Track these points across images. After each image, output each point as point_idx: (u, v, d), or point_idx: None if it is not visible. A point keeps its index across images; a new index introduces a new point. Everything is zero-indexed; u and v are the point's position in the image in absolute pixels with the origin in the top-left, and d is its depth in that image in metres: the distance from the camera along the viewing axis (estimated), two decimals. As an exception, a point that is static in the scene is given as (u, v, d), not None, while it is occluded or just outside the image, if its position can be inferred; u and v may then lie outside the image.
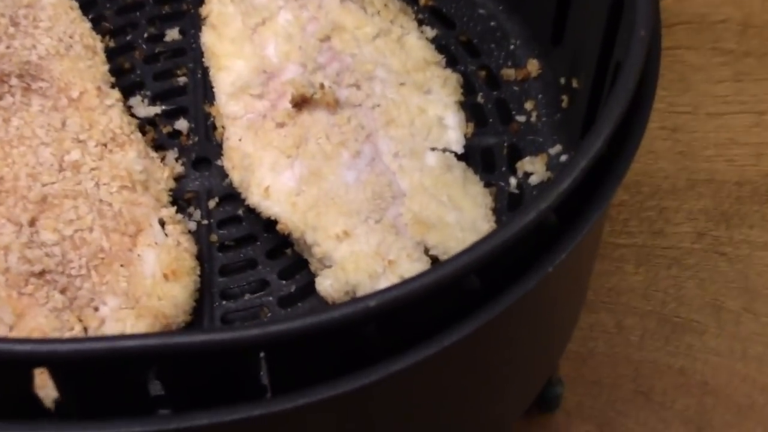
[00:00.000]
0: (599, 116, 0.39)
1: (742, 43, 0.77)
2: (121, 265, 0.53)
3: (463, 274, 0.37)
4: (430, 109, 0.58)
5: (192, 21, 0.66)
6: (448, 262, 0.37)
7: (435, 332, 0.38)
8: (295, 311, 0.55)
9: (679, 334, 0.64)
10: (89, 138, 0.56)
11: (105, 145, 0.56)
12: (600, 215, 0.41)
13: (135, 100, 0.62)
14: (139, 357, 0.35)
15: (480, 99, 0.62)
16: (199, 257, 0.55)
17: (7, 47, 0.60)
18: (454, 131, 0.57)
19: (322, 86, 0.57)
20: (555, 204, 0.39)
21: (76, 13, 0.63)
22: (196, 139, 0.61)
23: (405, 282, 0.37)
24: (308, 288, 0.54)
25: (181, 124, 0.61)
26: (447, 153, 0.56)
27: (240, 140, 0.57)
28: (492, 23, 0.65)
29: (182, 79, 0.63)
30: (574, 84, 0.57)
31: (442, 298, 0.38)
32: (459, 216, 0.54)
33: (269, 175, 0.55)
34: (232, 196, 0.58)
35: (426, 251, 0.53)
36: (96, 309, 0.51)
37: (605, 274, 0.66)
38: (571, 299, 0.51)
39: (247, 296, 0.55)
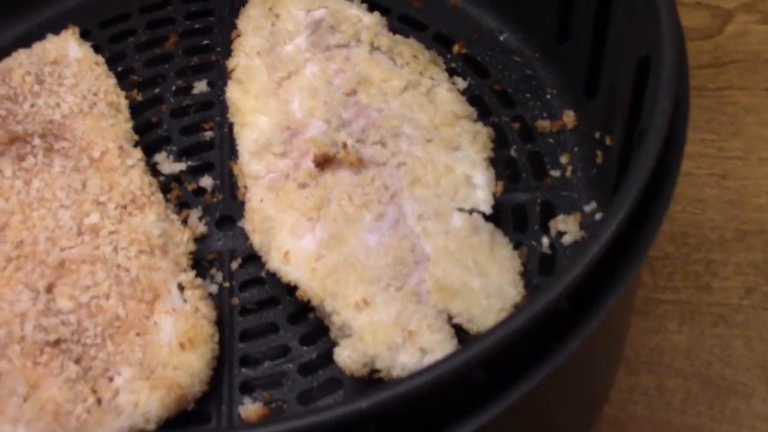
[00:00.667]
0: (616, 197, 0.37)
1: None
2: (137, 334, 0.52)
3: (465, 371, 0.35)
4: (457, 167, 0.55)
5: (220, 72, 0.65)
6: (450, 359, 0.35)
7: (438, 427, 0.36)
8: (315, 378, 0.53)
9: (724, 398, 0.61)
10: (109, 200, 0.56)
11: (125, 207, 0.56)
12: (619, 297, 0.38)
13: (160, 157, 0.61)
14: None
15: (513, 152, 0.60)
16: (219, 322, 0.54)
17: (32, 105, 0.59)
18: (482, 191, 0.55)
19: (345, 145, 0.55)
20: (566, 293, 0.36)
21: (102, 69, 0.62)
22: (221, 197, 0.60)
23: (402, 381, 0.35)
24: (329, 354, 0.52)
25: (206, 181, 0.60)
26: (474, 214, 0.54)
27: (261, 201, 0.55)
28: (528, 71, 0.63)
29: (209, 134, 0.62)
30: (607, 141, 0.55)
31: (443, 394, 0.36)
32: (485, 282, 0.52)
33: (289, 239, 0.53)
34: (256, 257, 0.56)
35: (449, 319, 0.51)
36: (110, 379, 0.50)
37: (647, 332, 0.63)
38: (594, 379, 0.49)
39: (267, 363, 0.54)
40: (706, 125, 0.72)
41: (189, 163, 0.61)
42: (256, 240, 0.55)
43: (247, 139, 0.58)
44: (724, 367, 0.62)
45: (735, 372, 0.62)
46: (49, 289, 0.53)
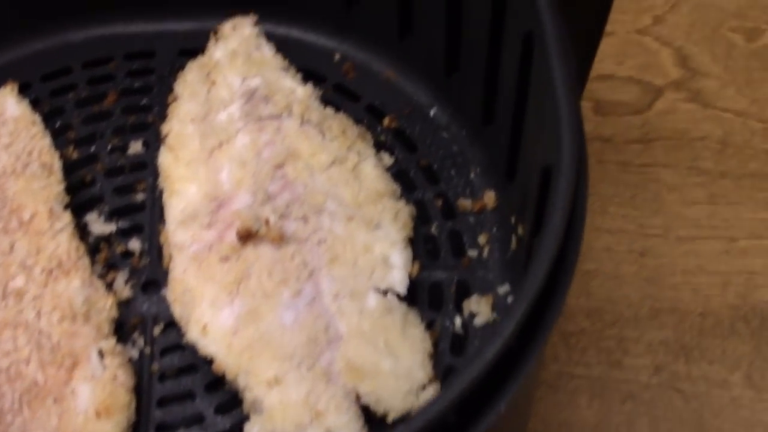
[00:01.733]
0: (503, 319, 0.39)
1: (719, 162, 0.76)
2: (54, 401, 0.53)
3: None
4: (376, 246, 0.57)
5: (156, 133, 0.66)
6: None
7: None
8: (227, 451, 0.54)
9: None
10: (35, 264, 0.57)
11: (50, 271, 0.57)
12: (500, 413, 0.40)
13: (91, 217, 0.62)
14: None
15: (434, 229, 0.62)
16: (138, 388, 0.55)
17: (-34, 164, 0.61)
18: (398, 271, 0.57)
19: (268, 221, 0.57)
20: (448, 410, 0.38)
21: (38, 128, 0.63)
22: (148, 260, 0.61)
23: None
24: (242, 424, 0.54)
25: (135, 244, 0.61)
26: (389, 294, 0.56)
27: (184, 271, 0.57)
28: (455, 148, 0.65)
29: (140, 196, 0.64)
30: (519, 230, 0.57)
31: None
32: (395, 363, 0.53)
33: (208, 311, 0.55)
34: (178, 324, 0.57)
35: (358, 399, 0.52)
36: (24, 446, 0.52)
37: (558, 406, 0.65)
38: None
39: (181, 430, 0.55)
40: (630, 201, 0.74)
41: (119, 224, 0.62)
42: (177, 310, 0.56)
43: (174, 208, 0.60)
44: None
45: None
46: (-29, 352, 0.54)
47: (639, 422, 0.65)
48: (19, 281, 0.56)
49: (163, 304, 0.59)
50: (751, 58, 0.84)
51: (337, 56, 0.70)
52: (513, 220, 0.59)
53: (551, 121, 0.46)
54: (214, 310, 0.55)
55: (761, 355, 0.68)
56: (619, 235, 0.73)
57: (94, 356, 0.55)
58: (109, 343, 0.56)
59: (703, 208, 0.74)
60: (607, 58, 0.82)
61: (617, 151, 0.76)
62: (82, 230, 0.61)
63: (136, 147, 0.66)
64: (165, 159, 0.62)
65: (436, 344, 0.56)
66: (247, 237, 0.57)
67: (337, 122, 0.63)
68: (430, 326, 0.57)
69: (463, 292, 0.59)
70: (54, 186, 0.61)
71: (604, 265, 0.71)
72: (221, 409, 0.56)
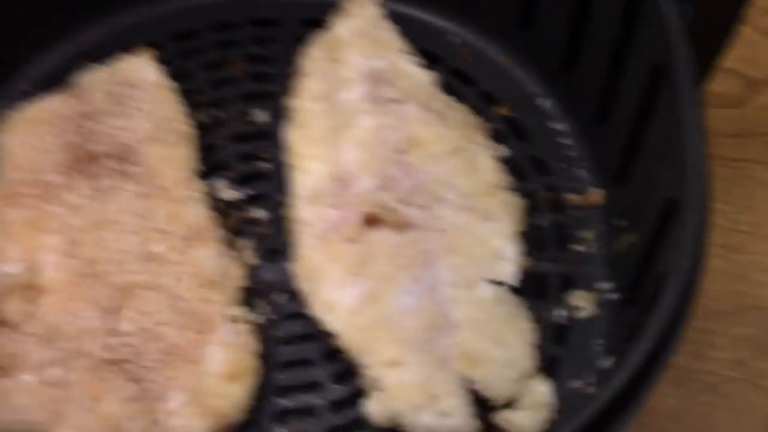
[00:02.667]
0: (628, 354, 0.43)
1: None
2: (191, 362, 0.57)
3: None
4: (491, 239, 0.61)
5: (280, 103, 0.69)
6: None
7: None
8: (343, 416, 0.59)
9: None
10: (174, 231, 0.61)
11: (188, 239, 0.61)
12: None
13: (219, 183, 0.66)
14: None
15: (542, 221, 0.65)
16: (262, 352, 0.60)
17: (110, 126, 0.64)
18: (510, 264, 0.61)
19: (392, 208, 0.60)
20: None
21: (174, 95, 0.67)
22: (273, 230, 0.65)
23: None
24: (359, 396, 0.58)
25: (260, 213, 0.65)
26: (501, 286, 0.60)
27: (310, 249, 0.61)
28: (566, 141, 0.68)
29: (265, 165, 0.67)
30: (631, 237, 0.60)
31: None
32: (504, 353, 0.58)
33: (333, 290, 0.59)
34: (300, 293, 0.62)
35: (469, 385, 0.57)
36: (164, 402, 0.56)
37: None
38: None
39: (301, 396, 0.60)
40: (722, 196, 0.76)
41: (245, 192, 0.66)
42: (303, 286, 0.60)
43: (301, 185, 0.63)
44: None
45: None
46: (116, 310, 0.58)
47: (717, 414, 0.68)
48: (159, 246, 0.60)
49: (286, 273, 0.63)
50: None
51: (455, 39, 0.73)
52: (621, 223, 0.62)
53: (677, 158, 0.49)
54: (338, 289, 0.59)
55: None
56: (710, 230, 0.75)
57: (225, 323, 0.59)
58: (240, 310, 0.60)
59: None
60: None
61: (713, 144, 0.77)
62: (209, 195, 0.65)
63: (261, 116, 0.69)
64: (292, 136, 0.65)
65: (540, 334, 0.60)
66: (372, 222, 0.60)
67: (458, 112, 0.66)
68: (533, 317, 0.61)
69: (568, 284, 0.63)
70: (189, 154, 0.65)
71: (695, 258, 0.74)
72: (338, 379, 0.60)
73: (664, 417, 0.68)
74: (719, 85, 0.82)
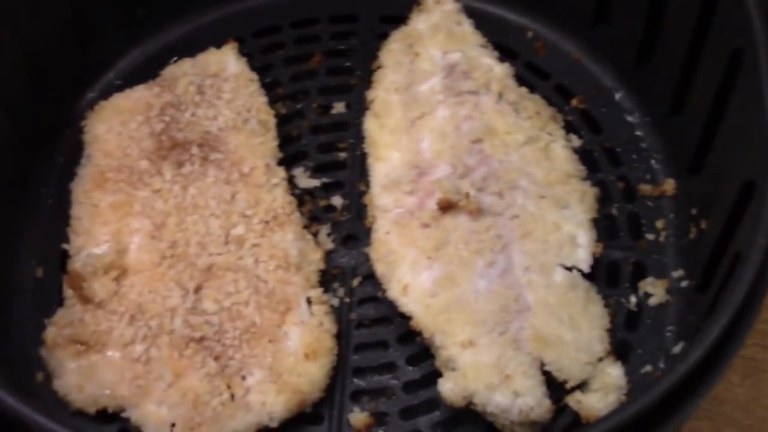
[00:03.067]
0: (700, 333, 0.43)
1: None
2: (269, 341, 0.59)
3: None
4: (565, 225, 0.62)
5: (358, 96, 0.71)
6: None
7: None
8: (417, 397, 0.60)
9: None
10: (254, 215, 0.63)
11: (267, 222, 0.63)
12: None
13: (298, 171, 0.68)
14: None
15: (614, 210, 0.66)
16: (338, 334, 0.61)
17: (192, 115, 0.67)
18: (584, 250, 0.62)
19: (467, 194, 0.62)
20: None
21: (255, 86, 0.69)
22: (349, 216, 0.67)
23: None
24: (432, 377, 0.60)
25: (337, 200, 0.67)
26: (574, 271, 0.61)
27: (387, 233, 0.62)
28: (638, 133, 0.69)
29: (342, 155, 0.69)
30: (703, 224, 0.61)
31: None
32: (576, 336, 0.58)
33: (409, 273, 0.61)
34: (375, 277, 0.63)
35: (541, 366, 0.58)
36: (243, 378, 0.58)
37: None
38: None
39: (376, 376, 0.61)
40: None
41: (323, 179, 0.68)
42: (379, 268, 0.62)
43: (379, 172, 0.65)
44: None
45: None
46: (197, 290, 0.61)
47: None
48: (240, 230, 0.62)
49: (361, 258, 0.65)
50: None
51: (529, 34, 0.74)
52: (694, 211, 0.63)
53: (757, 140, 0.49)
54: (414, 272, 0.61)
55: None
56: None
57: (304, 303, 0.61)
58: (317, 292, 0.62)
59: None
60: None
61: None
62: (288, 183, 0.67)
63: (339, 107, 0.71)
64: (370, 125, 0.67)
65: (611, 319, 0.61)
66: (447, 207, 0.62)
67: (532, 102, 0.67)
68: (606, 302, 0.61)
69: (639, 272, 0.64)
70: (270, 142, 0.67)
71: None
72: (413, 360, 0.62)
73: (735, 407, 0.68)
74: None
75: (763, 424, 0.68)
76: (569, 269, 0.61)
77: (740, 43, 0.54)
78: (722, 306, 0.44)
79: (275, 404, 0.58)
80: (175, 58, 0.71)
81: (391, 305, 0.62)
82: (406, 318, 0.61)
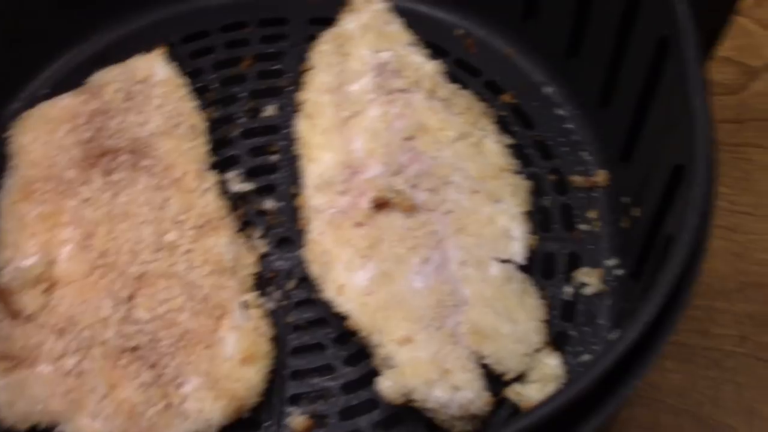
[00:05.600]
0: (635, 315, 0.43)
1: None
2: (205, 347, 0.58)
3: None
4: (499, 219, 0.62)
5: (288, 98, 0.71)
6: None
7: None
8: (356, 397, 0.60)
9: None
10: (186, 220, 0.62)
11: (200, 227, 0.62)
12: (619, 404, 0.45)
13: (231, 175, 0.68)
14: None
15: (548, 203, 0.66)
16: (275, 337, 0.61)
17: (121, 121, 0.66)
18: (518, 243, 0.62)
19: (400, 192, 0.61)
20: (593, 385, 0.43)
21: (185, 90, 0.68)
22: (283, 218, 0.66)
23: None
24: (370, 376, 0.59)
25: (270, 203, 0.67)
26: (509, 264, 0.61)
27: (321, 234, 0.62)
28: (569, 126, 0.69)
29: (275, 157, 0.69)
30: (635, 213, 0.61)
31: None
32: (514, 328, 0.58)
33: (344, 273, 0.60)
34: (310, 279, 0.63)
35: (480, 360, 0.57)
36: (180, 386, 0.57)
37: None
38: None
39: (314, 379, 0.61)
40: (722, 179, 0.77)
41: (255, 184, 0.68)
42: (314, 270, 0.61)
43: (312, 173, 0.65)
44: (713, 408, 0.69)
45: (723, 414, 0.68)
46: (130, 299, 0.60)
47: (723, 388, 0.69)
48: (172, 236, 0.62)
49: (296, 260, 0.64)
50: None
51: (459, 31, 0.74)
52: (626, 200, 0.63)
53: (684, 124, 0.49)
54: (349, 271, 0.60)
55: (842, 330, 0.72)
56: None
57: (240, 307, 0.60)
58: (252, 296, 0.61)
59: None
60: (705, 38, 0.85)
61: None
62: (220, 188, 0.66)
63: (270, 110, 0.71)
64: (302, 126, 0.67)
65: (547, 311, 0.61)
66: (380, 205, 0.62)
67: (463, 98, 0.67)
68: (542, 294, 0.61)
69: (574, 263, 0.64)
70: (201, 147, 0.66)
71: (696, 239, 0.75)
72: (350, 361, 0.61)
73: (671, 393, 0.69)
74: (717, 73, 0.84)
75: (699, 408, 0.69)
76: (504, 262, 0.61)
77: (666, 32, 0.54)
78: (655, 288, 0.44)
79: (213, 411, 0.57)
80: (104, 66, 0.70)
81: (328, 306, 0.61)
82: (342, 318, 0.60)
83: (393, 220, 0.62)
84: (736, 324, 0.72)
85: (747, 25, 0.88)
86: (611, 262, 0.63)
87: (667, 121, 0.54)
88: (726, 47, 0.85)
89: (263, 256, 0.65)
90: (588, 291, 0.63)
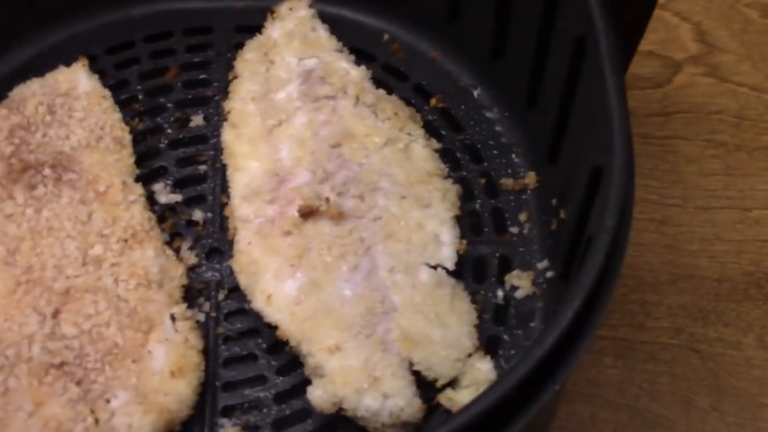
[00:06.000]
0: (556, 314, 0.44)
1: (735, 135, 0.81)
2: (133, 361, 0.58)
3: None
4: (428, 224, 0.62)
5: (216, 107, 0.70)
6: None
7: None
8: (289, 407, 0.59)
9: (649, 429, 0.69)
10: (112, 233, 0.61)
11: (126, 240, 0.61)
12: (551, 395, 0.45)
13: (158, 187, 0.67)
14: None
15: (478, 206, 0.66)
16: (205, 349, 0.60)
17: (43, 135, 0.65)
18: (448, 248, 0.62)
19: (327, 199, 0.61)
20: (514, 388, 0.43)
21: (109, 102, 0.67)
22: (211, 229, 0.66)
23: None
24: (302, 385, 0.59)
25: (198, 215, 0.66)
26: (439, 269, 0.61)
27: (249, 244, 0.61)
28: (497, 128, 0.69)
29: (203, 167, 0.68)
30: (562, 214, 0.61)
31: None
32: (444, 333, 0.58)
33: (272, 283, 0.60)
34: (240, 290, 0.62)
35: (410, 366, 0.57)
36: (108, 402, 0.57)
37: (585, 365, 0.70)
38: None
39: (246, 390, 0.60)
40: (650, 172, 0.79)
41: (183, 194, 0.67)
42: (243, 280, 0.61)
43: (239, 182, 0.64)
44: (650, 401, 0.70)
45: (660, 406, 0.69)
46: (55, 314, 0.59)
47: (660, 380, 0.70)
48: (97, 250, 0.61)
49: (226, 271, 0.64)
50: (767, 34, 0.88)
51: (385, 36, 0.74)
52: (554, 202, 0.63)
53: (602, 123, 0.50)
54: (277, 281, 0.60)
55: (773, 319, 0.73)
56: (641, 205, 0.77)
57: (168, 320, 0.59)
58: (181, 308, 0.60)
59: (719, 180, 0.79)
60: (629, 32, 0.86)
61: (639, 124, 0.81)
62: (148, 199, 0.65)
63: (197, 120, 0.70)
64: (228, 136, 0.66)
65: (479, 316, 0.61)
66: (308, 213, 0.61)
67: (390, 104, 0.67)
68: (473, 297, 0.61)
69: (505, 266, 0.64)
70: (126, 159, 0.65)
71: (628, 234, 0.76)
72: (282, 371, 0.61)
73: (609, 389, 0.70)
74: (641, 67, 0.85)
75: (636, 402, 0.69)
76: (434, 267, 0.61)
77: (582, 31, 0.54)
78: (575, 289, 0.44)
79: (142, 426, 0.56)
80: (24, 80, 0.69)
81: (258, 317, 0.61)
82: (273, 328, 0.60)
83: (321, 228, 0.61)
84: (669, 316, 0.73)
85: (668, 19, 0.89)
86: (542, 264, 0.63)
87: (588, 121, 0.54)
88: (648, 41, 0.86)
89: (192, 268, 0.64)
90: (520, 294, 0.63)
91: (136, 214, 0.63)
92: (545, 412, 0.46)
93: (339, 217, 0.61)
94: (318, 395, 0.56)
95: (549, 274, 0.63)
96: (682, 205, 0.78)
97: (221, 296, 0.63)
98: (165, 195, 0.67)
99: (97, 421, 0.56)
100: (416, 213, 0.62)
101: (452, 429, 0.42)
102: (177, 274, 0.62)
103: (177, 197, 0.67)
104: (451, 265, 0.61)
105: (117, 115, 0.67)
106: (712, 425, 0.69)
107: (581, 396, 0.70)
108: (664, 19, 0.89)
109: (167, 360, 0.58)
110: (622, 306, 0.73)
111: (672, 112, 0.82)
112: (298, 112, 0.66)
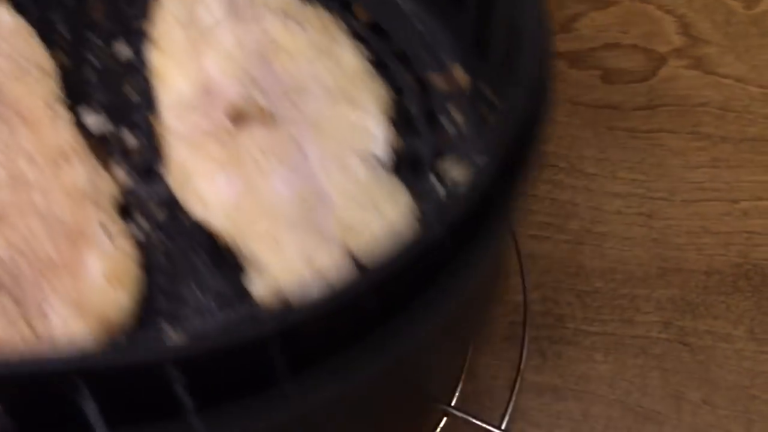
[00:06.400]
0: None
1: (720, 127, 0.81)
2: (69, 274, 0.57)
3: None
4: (360, 122, 0.61)
5: (142, 37, 0.69)
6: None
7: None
8: (233, 312, 0.58)
9: (640, 424, 0.68)
10: (40, 154, 0.61)
11: (54, 160, 0.61)
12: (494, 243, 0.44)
13: (89, 118, 0.66)
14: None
15: (411, 108, 0.66)
16: (146, 265, 0.59)
17: (-35, 70, 0.64)
18: (380, 141, 0.61)
19: (259, 106, 0.61)
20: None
21: (33, 38, 0.67)
22: (146, 154, 0.65)
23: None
24: (246, 290, 0.58)
25: (132, 140, 0.65)
26: (375, 162, 0.60)
27: (182, 156, 0.61)
28: (426, 35, 0.69)
29: (132, 94, 0.67)
30: (496, 104, 0.61)
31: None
32: (382, 221, 0.58)
33: (208, 189, 0.59)
34: (179, 206, 0.61)
35: (350, 254, 0.57)
36: (46, 315, 0.56)
37: (575, 361, 0.70)
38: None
39: (189, 297, 0.59)
40: (638, 166, 0.79)
41: (114, 122, 0.66)
42: (178, 192, 0.60)
43: (168, 101, 0.63)
44: (641, 395, 0.69)
45: (651, 400, 0.69)
46: (-13, 236, 0.58)
47: (651, 375, 0.70)
48: (26, 170, 0.60)
49: (162, 189, 0.63)
50: (750, 25, 0.89)
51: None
52: (489, 95, 0.63)
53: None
54: (212, 187, 0.59)
55: (762, 310, 0.74)
56: (629, 199, 0.77)
57: (102, 234, 0.59)
58: (116, 221, 0.60)
59: (705, 172, 0.79)
60: (612, 26, 0.86)
61: (625, 118, 0.81)
62: (79, 129, 0.64)
63: (125, 51, 0.69)
64: (155, 60, 0.65)
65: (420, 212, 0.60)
66: (239, 120, 0.61)
67: (317, 15, 0.67)
68: (411, 191, 0.61)
69: (441, 160, 0.63)
70: (52, 87, 0.64)
71: (616, 228, 0.76)
72: (224, 276, 0.59)
73: (600, 384, 0.69)
74: (626, 61, 0.85)
75: (627, 396, 0.69)
76: (369, 160, 0.60)
77: None
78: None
79: (82, 334, 0.55)
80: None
81: (197, 227, 0.60)
82: (213, 238, 0.59)
83: (253, 133, 0.61)
84: (659, 310, 0.73)
85: (652, 12, 0.90)
86: (482, 159, 0.63)
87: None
88: (632, 35, 0.87)
89: (128, 189, 0.63)
90: (458, 179, 0.62)
91: (64, 134, 0.62)
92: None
93: (271, 121, 0.61)
94: (260, 290, 0.56)
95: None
96: (669, 198, 0.78)
97: (157, 211, 0.62)
98: (96, 124, 0.66)
99: (38, 336, 0.55)
100: (348, 113, 0.62)
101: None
102: (110, 189, 0.61)
103: (109, 126, 0.66)
104: (384, 156, 0.61)
105: (41, 47, 0.66)
106: (704, 418, 0.69)
107: (572, 392, 0.69)
108: (648, 12, 0.89)
109: (105, 270, 0.57)
110: (612, 301, 0.73)
111: (657, 105, 0.83)
112: (223, 30, 0.66)
